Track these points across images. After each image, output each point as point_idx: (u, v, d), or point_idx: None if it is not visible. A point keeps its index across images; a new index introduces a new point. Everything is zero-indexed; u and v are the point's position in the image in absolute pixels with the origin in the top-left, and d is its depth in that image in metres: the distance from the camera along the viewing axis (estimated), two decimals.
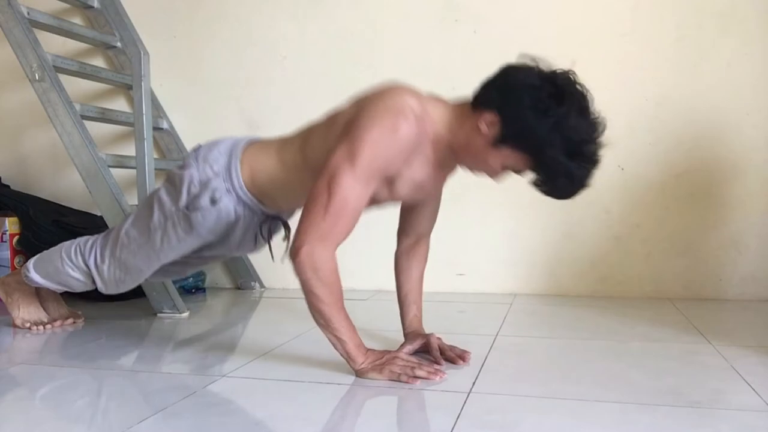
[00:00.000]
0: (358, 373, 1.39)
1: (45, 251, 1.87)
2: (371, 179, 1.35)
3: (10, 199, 2.54)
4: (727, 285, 2.36)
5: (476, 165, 1.42)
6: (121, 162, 2.36)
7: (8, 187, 2.79)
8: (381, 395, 1.31)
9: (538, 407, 1.23)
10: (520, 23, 2.42)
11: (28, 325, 1.92)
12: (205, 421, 1.17)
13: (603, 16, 2.40)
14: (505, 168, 1.39)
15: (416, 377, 1.35)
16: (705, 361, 1.54)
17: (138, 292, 2.17)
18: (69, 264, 1.79)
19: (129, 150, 2.47)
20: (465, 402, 1.24)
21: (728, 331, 1.86)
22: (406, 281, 1.64)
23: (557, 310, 2.21)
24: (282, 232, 1.71)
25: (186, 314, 2.15)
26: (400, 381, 1.35)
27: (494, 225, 2.51)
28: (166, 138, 2.71)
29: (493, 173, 1.42)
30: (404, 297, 1.64)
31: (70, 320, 1.99)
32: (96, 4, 2.65)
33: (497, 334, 1.81)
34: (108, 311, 2.21)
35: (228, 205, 1.55)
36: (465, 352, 1.53)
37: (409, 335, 1.60)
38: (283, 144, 1.57)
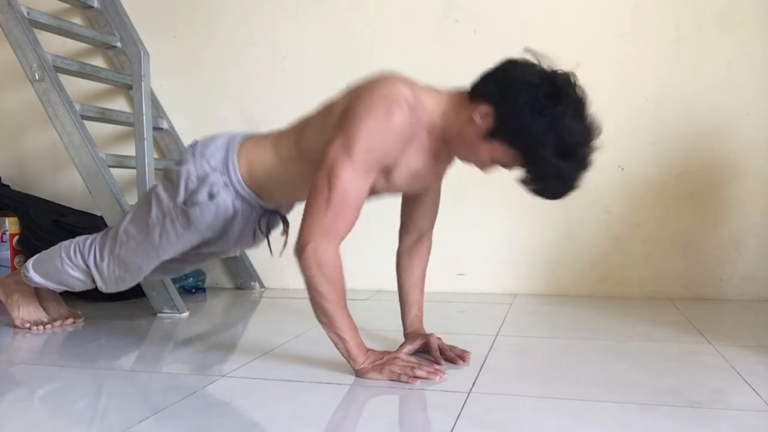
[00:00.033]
0: (358, 373, 1.39)
1: (44, 251, 1.87)
2: (370, 170, 1.35)
3: (10, 199, 2.55)
4: (727, 285, 2.36)
5: (466, 155, 1.43)
6: (121, 162, 2.36)
7: (8, 187, 2.79)
8: (381, 395, 1.31)
9: (538, 407, 1.23)
10: (520, 23, 2.42)
11: (27, 325, 1.92)
12: (205, 421, 1.17)
13: (603, 16, 2.40)
14: (495, 162, 1.39)
15: (416, 377, 1.35)
16: (705, 361, 1.54)
17: (138, 292, 2.18)
18: (68, 263, 1.79)
19: (129, 150, 2.47)
20: (465, 402, 1.24)
21: (728, 331, 1.86)
22: (408, 280, 1.63)
23: (557, 310, 2.21)
24: (280, 227, 1.71)
25: (186, 314, 2.15)
26: (400, 381, 1.35)
27: (494, 225, 2.51)
28: (166, 138, 2.71)
29: (483, 165, 1.42)
30: (405, 296, 1.64)
31: (70, 320, 1.99)
32: (96, 4, 2.65)
33: (497, 334, 1.81)
34: (108, 311, 2.21)
35: (226, 199, 1.55)
36: (465, 352, 1.53)
37: (409, 335, 1.60)
38: (278, 137, 1.58)
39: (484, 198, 2.44)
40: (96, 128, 2.54)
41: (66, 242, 1.82)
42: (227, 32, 2.70)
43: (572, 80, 1.33)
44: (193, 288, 2.62)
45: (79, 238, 1.81)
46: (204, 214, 1.55)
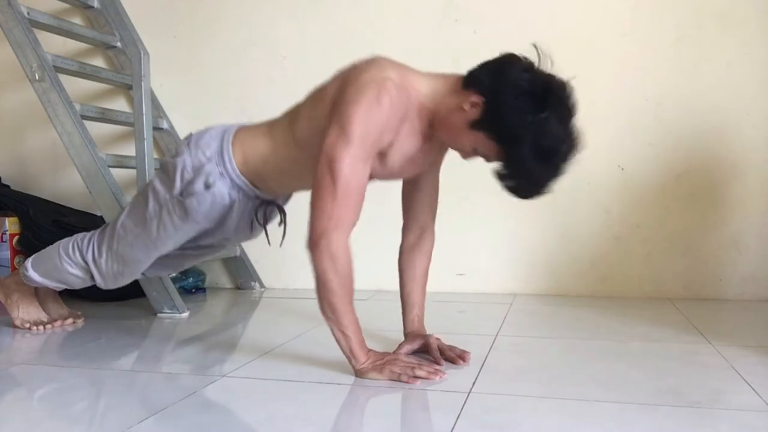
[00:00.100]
0: (358, 373, 1.39)
1: (43, 250, 1.88)
2: (368, 155, 1.36)
3: (10, 199, 2.54)
4: (727, 285, 2.36)
5: (450, 140, 1.44)
6: (121, 162, 2.36)
7: (8, 187, 2.79)
8: (381, 395, 1.31)
9: (538, 407, 1.23)
10: (520, 23, 2.42)
11: (27, 325, 1.92)
12: (205, 421, 1.17)
13: (603, 16, 2.40)
14: (476, 152, 1.40)
15: (416, 377, 1.35)
16: (705, 361, 1.54)
17: (138, 292, 2.18)
18: (67, 260, 1.79)
19: (129, 150, 2.47)
20: (465, 402, 1.24)
21: (728, 331, 1.86)
22: (409, 280, 1.63)
23: (557, 310, 2.21)
24: (278, 218, 1.72)
25: (186, 314, 2.15)
26: (400, 381, 1.35)
27: (494, 225, 2.51)
28: (166, 138, 2.71)
29: (464, 153, 1.44)
30: (406, 296, 1.64)
31: (70, 320, 1.99)
32: (96, 4, 2.65)
33: (497, 334, 1.81)
34: (108, 311, 2.21)
35: (222, 189, 1.56)
36: (465, 352, 1.53)
37: (408, 335, 1.60)
38: (272, 125, 1.59)
39: (484, 198, 2.44)
40: (96, 128, 2.53)
41: (64, 240, 1.82)
42: (227, 32, 2.70)
43: (566, 89, 1.34)
44: (193, 288, 2.62)
45: (78, 236, 1.81)
46: (200, 204, 1.56)
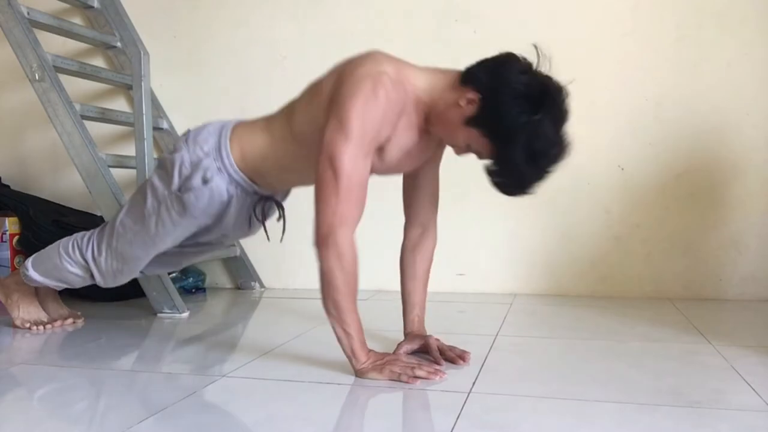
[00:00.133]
0: (358, 373, 1.39)
1: (43, 249, 1.88)
2: (369, 149, 1.37)
3: (10, 199, 2.54)
4: (727, 285, 2.36)
5: (444, 135, 1.45)
6: (121, 162, 2.36)
7: (8, 187, 2.79)
8: (381, 395, 1.31)
9: (538, 407, 1.23)
10: (520, 23, 2.42)
11: (27, 325, 1.92)
12: (205, 421, 1.17)
13: (603, 16, 2.40)
14: (469, 148, 1.41)
15: (416, 377, 1.35)
16: (705, 361, 1.54)
17: (138, 292, 2.18)
18: (67, 259, 1.79)
19: (129, 150, 2.47)
20: (465, 402, 1.24)
21: (728, 331, 1.86)
22: (410, 279, 1.63)
23: (557, 310, 2.21)
24: (276, 214, 1.72)
25: (186, 314, 2.15)
26: (400, 381, 1.35)
27: (494, 225, 2.51)
28: (166, 138, 2.71)
29: (457, 149, 1.45)
30: (407, 296, 1.64)
31: (70, 320, 1.99)
32: (96, 4, 2.65)
33: (497, 334, 1.81)
34: (108, 311, 2.21)
35: (220, 184, 1.56)
36: (465, 352, 1.53)
37: (408, 335, 1.60)
38: (269, 121, 1.59)
39: (484, 198, 2.43)
40: (96, 128, 2.53)
41: (64, 239, 1.83)
42: (227, 32, 2.70)
43: (562, 93, 1.35)
44: (193, 288, 2.62)
45: (77, 235, 1.82)
46: (198, 199, 1.56)
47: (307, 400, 1.27)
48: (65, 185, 2.85)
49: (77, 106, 2.20)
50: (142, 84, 2.20)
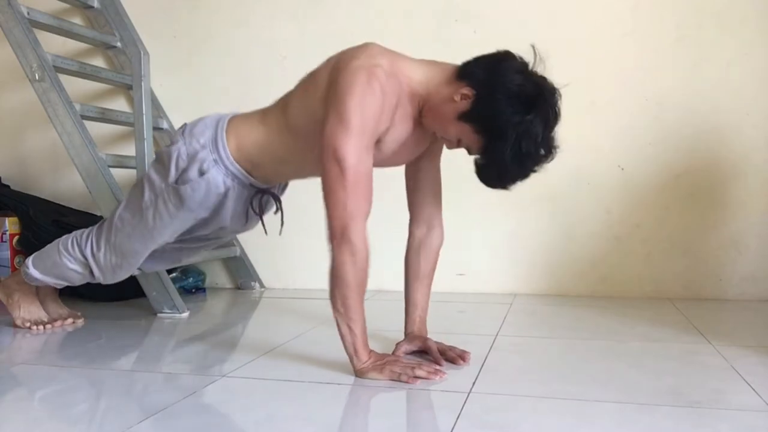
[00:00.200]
0: (358, 373, 1.39)
1: (44, 248, 1.88)
2: (370, 142, 1.37)
3: (10, 199, 2.54)
4: (727, 285, 2.36)
5: (437, 128, 1.45)
6: (121, 162, 2.36)
7: (8, 187, 2.79)
8: (381, 395, 1.31)
9: (538, 407, 1.23)
10: (520, 23, 2.42)
11: (28, 324, 1.92)
12: (205, 421, 1.17)
13: (603, 16, 2.40)
14: (461, 143, 1.43)
15: (416, 377, 1.35)
16: (705, 361, 1.54)
17: (138, 292, 2.18)
18: (66, 256, 1.80)
19: (129, 150, 2.47)
20: (465, 402, 1.24)
21: (728, 331, 1.86)
22: (414, 280, 1.63)
23: (557, 310, 2.21)
24: (274, 208, 1.73)
25: (186, 314, 2.15)
26: (400, 381, 1.35)
27: (494, 225, 2.51)
28: (166, 138, 2.71)
29: (449, 143, 1.47)
30: (410, 296, 1.64)
31: (70, 320, 1.99)
32: (96, 4, 2.65)
33: (497, 334, 1.81)
34: (108, 311, 2.21)
35: (216, 176, 1.56)
36: (465, 352, 1.53)
37: (408, 335, 1.60)
38: (265, 113, 1.60)
39: (484, 198, 2.43)
40: (96, 128, 2.53)
41: (64, 237, 1.84)
42: (227, 32, 2.70)
43: (555, 95, 1.37)
44: (193, 288, 2.62)
45: (77, 232, 1.83)
46: (195, 191, 1.57)
47: (307, 400, 1.27)
48: (65, 185, 2.85)
49: (77, 106, 2.20)
50: (142, 84, 2.20)
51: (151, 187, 1.62)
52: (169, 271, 2.42)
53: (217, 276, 2.78)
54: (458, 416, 1.17)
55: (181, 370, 1.52)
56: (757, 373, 1.42)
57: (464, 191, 2.35)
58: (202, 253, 2.23)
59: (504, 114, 1.32)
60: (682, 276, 2.39)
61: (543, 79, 1.36)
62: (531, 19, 2.42)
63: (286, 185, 1.78)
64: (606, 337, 1.79)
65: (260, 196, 1.66)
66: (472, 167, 1.45)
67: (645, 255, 2.41)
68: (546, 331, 1.92)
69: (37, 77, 2.15)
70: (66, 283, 1.89)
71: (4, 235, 2.48)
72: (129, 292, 2.29)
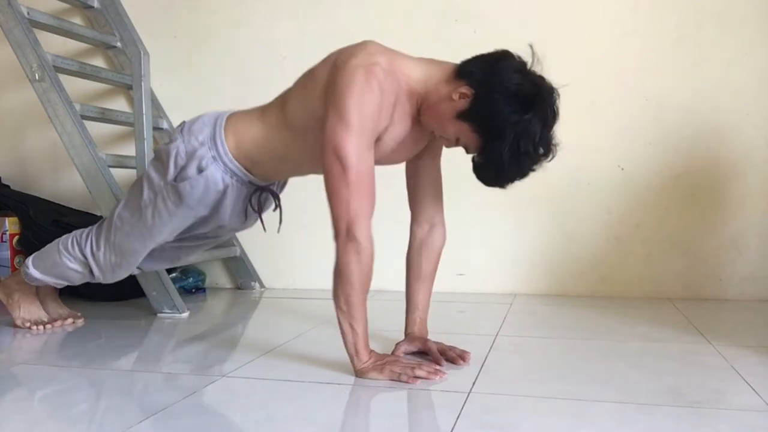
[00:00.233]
0: (358, 373, 1.39)
1: (44, 248, 1.88)
2: (370, 140, 1.37)
3: (10, 199, 2.54)
4: (727, 285, 2.36)
5: (435, 127, 1.45)
6: (121, 162, 2.36)
7: (8, 187, 2.79)
8: (381, 395, 1.31)
9: (538, 407, 1.23)
10: (520, 23, 2.42)
11: (28, 324, 1.92)
12: (205, 421, 1.17)
13: (603, 16, 2.40)
14: (458, 141, 1.43)
15: (416, 377, 1.35)
16: (705, 361, 1.54)
17: (138, 292, 2.18)
18: (66, 255, 1.80)
19: (129, 150, 2.47)
20: (465, 402, 1.24)
21: (728, 331, 1.86)
22: (415, 280, 1.63)
23: (557, 310, 2.21)
24: (272, 205, 1.73)
25: (186, 314, 2.15)
26: (400, 381, 1.35)
27: (494, 225, 2.51)
28: (166, 138, 2.71)
29: (447, 141, 1.47)
30: (411, 296, 1.64)
31: (70, 320, 1.99)
32: (96, 4, 2.65)
33: (497, 334, 1.81)
34: (108, 311, 2.21)
35: (215, 173, 1.56)
36: (465, 352, 1.53)
37: (408, 336, 1.60)
38: (264, 110, 1.61)
39: (484, 198, 2.43)
40: (96, 128, 2.53)
41: (64, 236, 1.84)
42: (227, 32, 2.70)
43: (553, 95, 1.37)
44: (193, 288, 2.62)
45: (77, 232, 1.83)
46: (194, 188, 1.57)
47: (307, 400, 1.27)
48: (65, 185, 2.85)
49: (77, 106, 2.20)
50: (142, 84, 2.20)
51: (150, 186, 1.63)
52: (169, 271, 2.42)
53: (217, 276, 2.78)
54: (458, 416, 1.17)
55: (181, 370, 1.52)
56: (757, 373, 1.42)
57: (464, 190, 2.34)
58: (202, 252, 2.23)
59: (502, 113, 1.32)
60: (682, 276, 2.39)
61: (541, 78, 1.37)
62: (531, 19, 2.42)
63: (285, 183, 1.79)
64: (606, 337, 1.79)
65: (259, 193, 1.67)
66: (471, 166, 1.45)
67: (645, 255, 2.41)
68: (546, 331, 1.92)
69: (37, 77, 2.15)
70: (66, 283, 1.89)
71: (4, 235, 2.48)
72: (129, 292, 2.29)
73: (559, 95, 1.37)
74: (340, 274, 1.37)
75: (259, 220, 1.73)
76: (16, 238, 2.49)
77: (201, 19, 2.73)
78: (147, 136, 2.19)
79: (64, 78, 2.24)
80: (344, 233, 1.35)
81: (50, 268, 1.84)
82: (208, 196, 1.59)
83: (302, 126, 1.49)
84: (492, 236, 2.51)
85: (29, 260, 1.87)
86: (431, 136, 1.53)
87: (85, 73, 2.43)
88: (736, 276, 2.35)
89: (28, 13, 2.22)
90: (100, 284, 1.90)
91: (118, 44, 2.64)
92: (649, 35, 2.37)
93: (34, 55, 2.15)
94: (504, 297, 2.42)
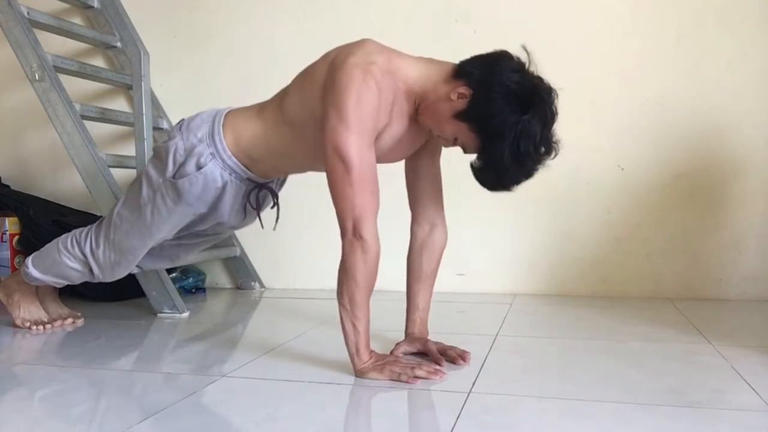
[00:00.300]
0: (359, 373, 1.39)
1: (43, 247, 1.88)
2: (370, 139, 1.38)
3: (10, 199, 2.54)
4: (727, 285, 2.36)
5: (433, 127, 1.45)
6: (121, 162, 2.36)
7: (8, 187, 2.79)
8: (381, 395, 1.31)
9: (538, 407, 1.23)
10: (520, 23, 2.42)
11: (28, 324, 1.92)
12: (205, 421, 1.17)
13: (603, 16, 2.40)
14: (456, 141, 1.43)
15: (416, 377, 1.35)
16: (705, 361, 1.54)
17: (138, 292, 2.18)
18: (66, 254, 1.80)
19: (129, 150, 2.47)
20: (465, 402, 1.24)
21: (728, 331, 1.86)
22: (415, 280, 1.63)
23: (557, 310, 2.21)
24: (271, 203, 1.73)
25: (186, 314, 2.15)
26: (400, 381, 1.35)
27: (494, 225, 2.51)
28: (165, 138, 2.70)
29: (445, 141, 1.47)
30: (411, 297, 1.64)
31: (70, 320, 1.99)
32: (96, 4, 2.65)
33: (497, 334, 1.81)
34: (108, 311, 2.21)
35: (213, 170, 1.57)
36: (465, 352, 1.53)
37: (408, 336, 1.60)
38: (262, 107, 1.61)
39: (484, 198, 2.43)
40: (96, 128, 2.53)
41: (63, 236, 1.85)
42: (227, 32, 2.70)
43: (551, 94, 1.37)
44: (193, 288, 2.62)
45: (76, 231, 1.84)
46: (193, 185, 1.57)
47: (307, 400, 1.27)
48: (65, 185, 2.85)
49: (77, 106, 2.20)
50: (142, 84, 2.21)
51: (149, 183, 1.63)
52: (169, 271, 2.42)
53: (217, 276, 2.78)
54: (458, 416, 1.17)
55: (181, 370, 1.52)
56: (757, 373, 1.42)
57: (464, 191, 2.34)
58: (202, 252, 2.23)
59: (501, 113, 1.32)
60: (682, 276, 2.39)
61: (540, 79, 1.37)
62: (531, 19, 2.42)
63: (284, 181, 1.79)
64: (606, 337, 1.79)
65: (257, 190, 1.67)
66: (471, 161, 1.45)
67: (645, 255, 2.41)
68: (546, 331, 1.92)
69: (37, 77, 2.15)
70: (66, 282, 1.89)
71: (4, 235, 2.48)
72: (129, 292, 2.29)
73: (557, 95, 1.38)
74: (345, 272, 1.37)
75: (257, 218, 1.73)
76: (16, 238, 2.49)
77: (201, 19, 2.73)
78: (147, 136, 2.19)
79: (64, 78, 2.24)
80: (350, 232, 1.36)
81: (50, 267, 1.84)
82: (207, 192, 1.60)
83: (301, 123, 1.49)
84: (492, 236, 2.51)
85: (29, 260, 1.87)
86: (429, 136, 1.53)
87: (85, 73, 2.43)
88: (736, 276, 2.35)
89: (28, 13, 2.23)
90: (100, 284, 1.90)
91: (118, 44, 2.64)
92: (649, 35, 2.37)
93: (34, 55, 2.15)
94: (504, 297, 2.42)
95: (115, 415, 1.23)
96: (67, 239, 1.82)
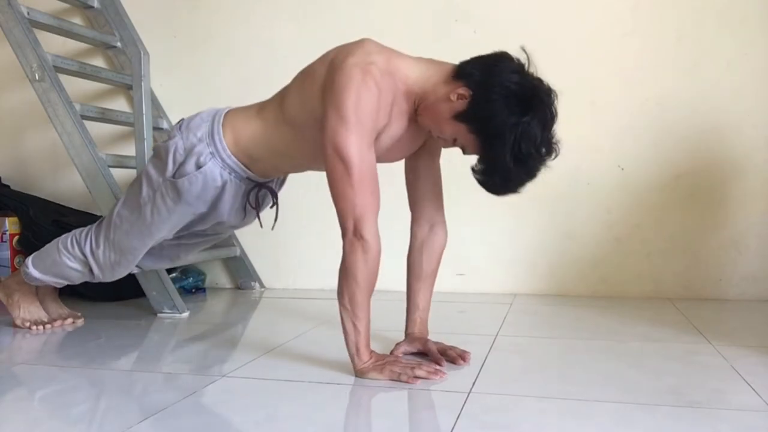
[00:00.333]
0: (358, 373, 1.39)
1: (43, 247, 1.88)
2: (370, 139, 1.38)
3: (10, 199, 2.54)
4: (727, 285, 2.36)
5: (432, 127, 1.45)
6: (121, 162, 2.36)
7: (8, 187, 2.79)
8: (381, 395, 1.31)
9: (538, 407, 1.23)
10: (520, 23, 2.42)
11: (28, 324, 1.92)
12: (205, 421, 1.17)
13: (603, 16, 2.40)
14: (456, 142, 1.43)
15: (416, 377, 1.35)
16: (705, 361, 1.54)
17: (138, 292, 2.18)
18: (66, 254, 1.80)
19: (129, 150, 2.47)
20: (465, 402, 1.24)
21: (728, 331, 1.86)
22: (415, 280, 1.63)
23: (557, 310, 2.21)
24: (270, 202, 1.73)
25: (186, 314, 2.15)
26: (400, 381, 1.35)
27: (494, 225, 2.50)
28: (165, 138, 2.71)
29: (444, 142, 1.47)
30: (411, 296, 1.64)
31: (70, 320, 1.99)
32: (96, 4, 2.65)
33: (497, 334, 1.81)
34: (108, 311, 2.21)
35: (213, 169, 1.57)
36: (465, 352, 1.53)
37: (408, 336, 1.60)
38: (262, 106, 1.61)
39: (484, 198, 2.43)
40: (96, 128, 2.53)
41: (63, 236, 1.85)
42: (227, 32, 2.70)
43: (551, 96, 1.37)
44: (193, 288, 2.62)
45: (76, 231, 1.84)
46: (192, 184, 1.57)
47: (307, 400, 1.27)
48: (65, 185, 2.85)
49: (77, 106, 2.20)
50: (142, 84, 2.21)
51: (149, 183, 1.63)
52: (169, 271, 2.42)
53: (217, 276, 2.78)
54: (458, 416, 1.17)
55: (181, 370, 1.52)
56: (757, 373, 1.42)
57: (463, 190, 2.34)
58: (202, 252, 2.23)
59: (500, 115, 1.32)
60: (682, 276, 2.39)
61: (539, 80, 1.37)
62: (531, 19, 2.42)
63: (284, 180, 1.79)
64: (606, 337, 1.79)
65: (257, 190, 1.67)
66: (470, 165, 1.45)
67: (645, 255, 2.41)
68: (546, 331, 1.93)
69: (37, 77, 2.15)
70: (66, 282, 1.89)
71: (4, 235, 2.48)
72: (129, 291, 2.29)
73: (557, 96, 1.38)
74: (346, 272, 1.37)
75: (257, 218, 1.73)
76: (16, 238, 2.49)
77: (201, 19, 2.73)
78: (147, 136, 2.19)
79: (64, 78, 2.24)
80: (351, 232, 1.36)
81: (50, 267, 1.84)
82: (207, 192, 1.60)
83: (300, 123, 1.49)
84: (492, 236, 2.51)
85: (29, 260, 1.87)
86: (428, 136, 1.53)
87: (85, 73, 2.43)
88: (736, 276, 2.35)
89: (28, 13, 2.23)
90: (100, 284, 1.90)
91: (118, 44, 2.64)
92: (649, 35, 2.37)
93: (34, 55, 2.15)
94: (504, 297, 2.42)
95: (115, 415, 1.23)
96: (67, 239, 1.82)
